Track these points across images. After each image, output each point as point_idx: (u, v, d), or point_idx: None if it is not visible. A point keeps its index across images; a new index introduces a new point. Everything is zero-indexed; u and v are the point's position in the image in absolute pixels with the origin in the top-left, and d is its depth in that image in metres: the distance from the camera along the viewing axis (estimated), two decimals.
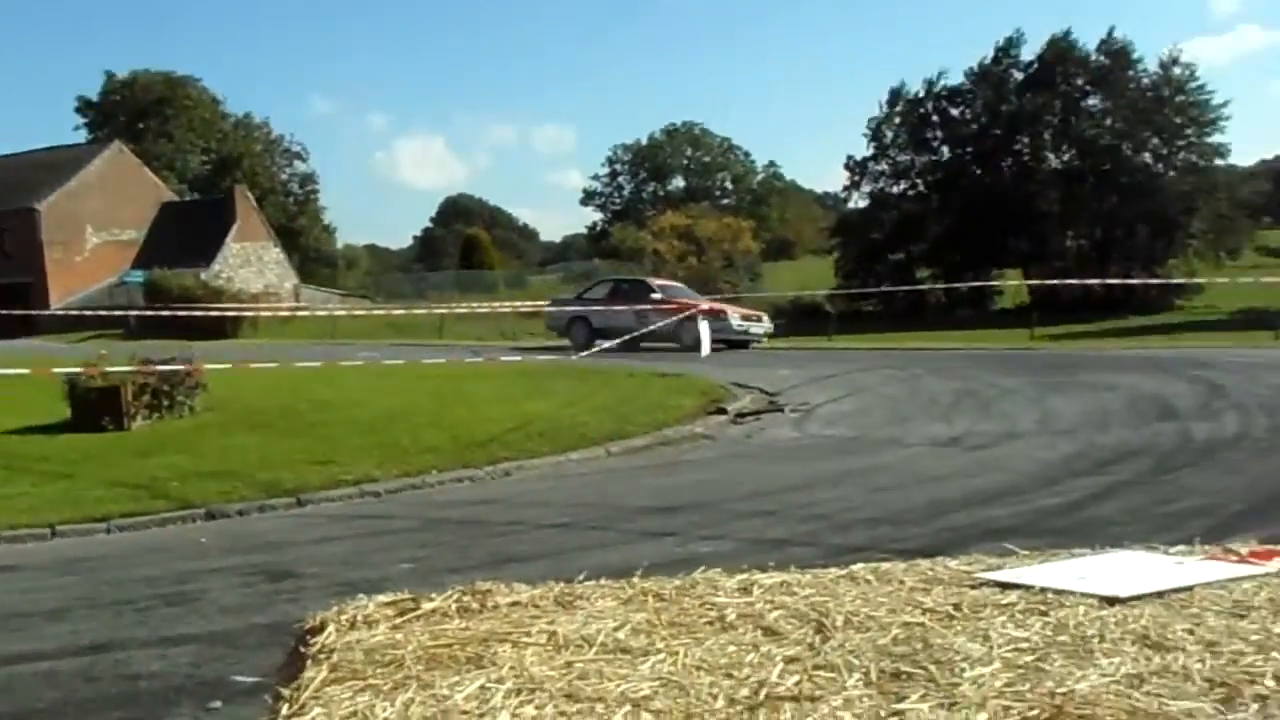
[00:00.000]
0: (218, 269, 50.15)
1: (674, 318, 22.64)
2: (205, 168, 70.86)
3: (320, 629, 2.31)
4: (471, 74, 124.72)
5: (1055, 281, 37.14)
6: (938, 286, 44.30)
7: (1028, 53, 47.88)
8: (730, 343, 24.20)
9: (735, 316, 25.99)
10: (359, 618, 2.32)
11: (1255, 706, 1.94)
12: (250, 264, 53.65)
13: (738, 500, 8.61)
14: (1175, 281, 38.88)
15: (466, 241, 65.69)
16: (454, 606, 2.37)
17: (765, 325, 26.89)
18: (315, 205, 76.53)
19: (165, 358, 14.03)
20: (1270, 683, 2.00)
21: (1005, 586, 2.30)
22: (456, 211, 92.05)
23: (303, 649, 2.26)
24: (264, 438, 11.92)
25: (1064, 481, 8.60)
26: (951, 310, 44.30)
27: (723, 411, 13.57)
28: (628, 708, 1.82)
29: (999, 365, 18.68)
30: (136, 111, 68.55)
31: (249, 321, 40.45)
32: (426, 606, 2.37)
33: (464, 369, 19.36)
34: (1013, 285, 45.78)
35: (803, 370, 18.73)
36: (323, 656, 2.10)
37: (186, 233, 51.49)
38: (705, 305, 25.27)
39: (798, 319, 38.96)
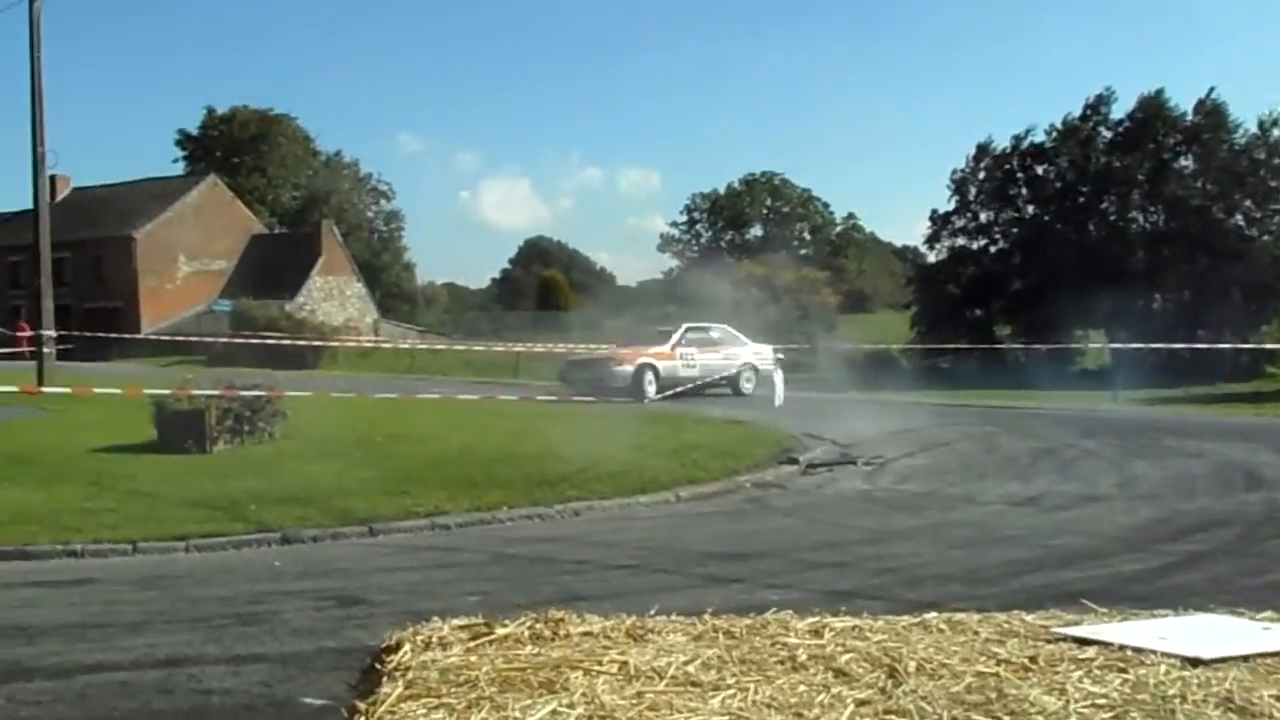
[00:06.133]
0: (302, 301, 51.33)
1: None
2: (295, 203, 72.94)
3: (396, 648, 2.34)
4: (562, 117, 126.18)
5: (1140, 345, 36.33)
6: (1017, 347, 43.59)
7: (1117, 111, 47.21)
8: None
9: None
10: (434, 639, 2.36)
11: None
12: (333, 298, 54.87)
13: (807, 550, 8.54)
14: (1268, 347, 37.77)
15: (544, 283, 66.45)
16: (527, 633, 2.40)
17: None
18: (398, 243, 78.24)
19: (249, 384, 14.39)
20: None
21: (1083, 642, 2.26)
22: (536, 253, 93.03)
23: (378, 666, 2.30)
24: (340, 466, 12.11)
25: (1145, 547, 8.38)
26: (1030, 368, 43.53)
27: (794, 461, 13.48)
28: None
29: (1079, 426, 18.32)
30: (233, 146, 70.82)
31: (330, 353, 41.17)
32: (500, 631, 2.39)
33: (536, 408, 19.49)
34: (1095, 348, 44.91)
35: (876, 424, 18.52)
36: (398, 674, 2.14)
37: (274, 265, 52.89)
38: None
39: (872, 372, 38.59)
